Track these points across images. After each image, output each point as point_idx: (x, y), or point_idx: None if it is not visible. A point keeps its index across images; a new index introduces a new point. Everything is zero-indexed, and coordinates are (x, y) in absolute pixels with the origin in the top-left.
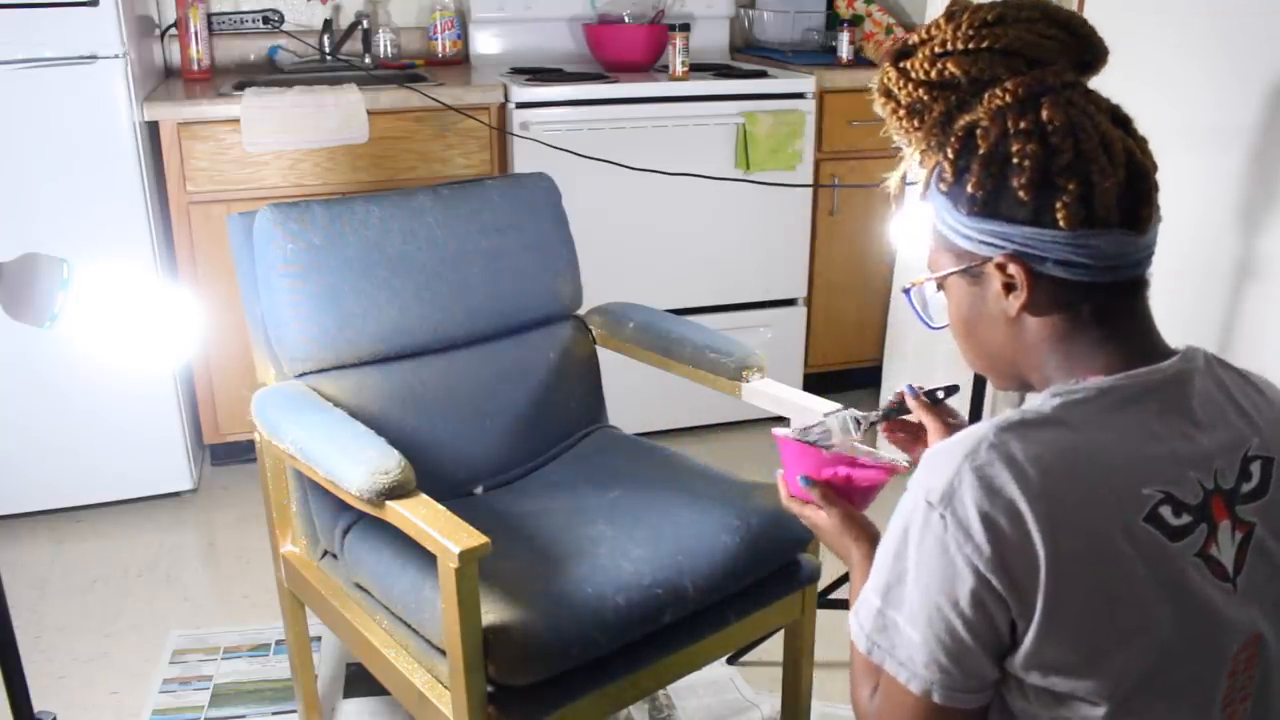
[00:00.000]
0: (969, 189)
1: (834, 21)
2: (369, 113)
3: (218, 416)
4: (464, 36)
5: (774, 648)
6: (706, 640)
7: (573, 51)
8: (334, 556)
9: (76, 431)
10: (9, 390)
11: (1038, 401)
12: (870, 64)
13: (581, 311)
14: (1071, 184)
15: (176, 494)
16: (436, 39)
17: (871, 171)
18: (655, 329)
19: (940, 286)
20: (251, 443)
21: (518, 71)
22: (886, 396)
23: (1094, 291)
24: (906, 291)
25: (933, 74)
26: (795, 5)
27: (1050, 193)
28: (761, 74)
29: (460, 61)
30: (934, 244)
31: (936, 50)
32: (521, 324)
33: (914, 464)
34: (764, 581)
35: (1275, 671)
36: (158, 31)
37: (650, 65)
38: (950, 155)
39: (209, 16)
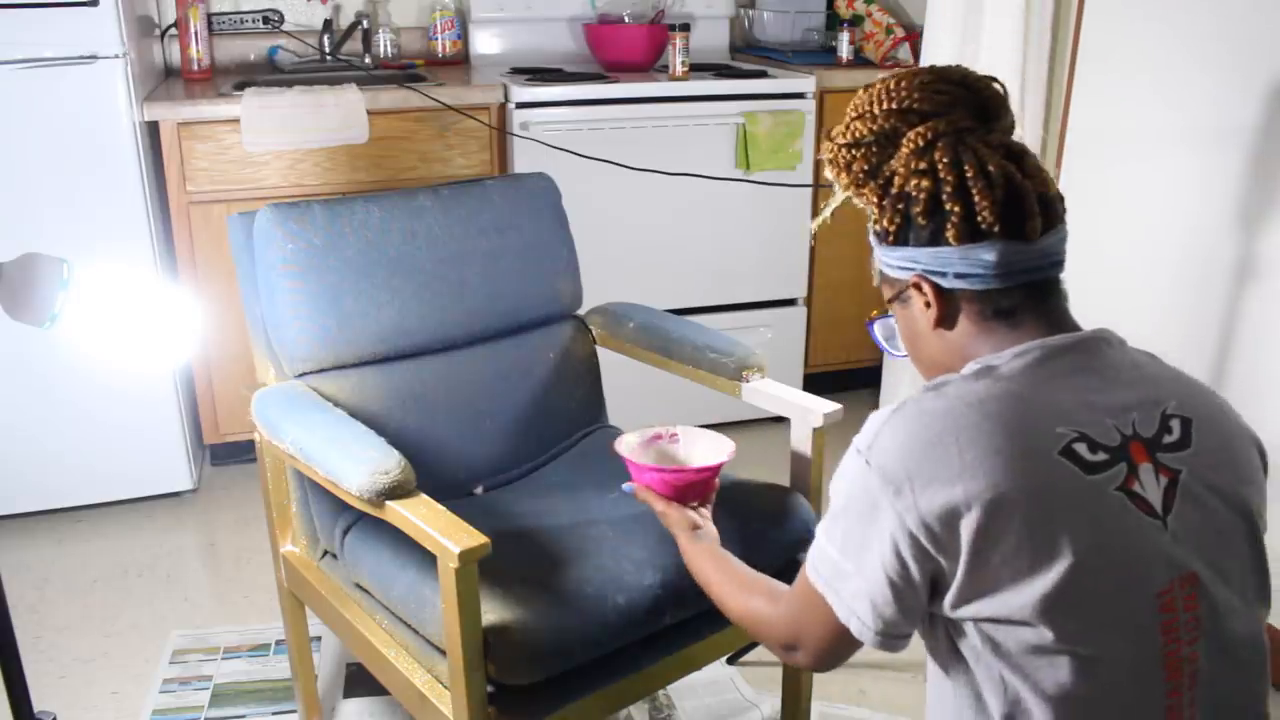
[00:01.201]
0: (885, 225)
1: (834, 21)
2: (369, 113)
3: (218, 416)
4: (464, 36)
5: None
6: (706, 640)
7: (573, 51)
8: (334, 556)
9: (76, 431)
10: (9, 390)
11: (965, 368)
12: (870, 64)
13: (581, 311)
14: (956, 206)
15: (176, 494)
16: (436, 39)
17: None
18: (655, 329)
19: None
20: (251, 443)
21: (518, 71)
22: (886, 397)
23: (998, 296)
24: (869, 325)
25: (848, 136)
26: (795, 5)
27: (941, 217)
28: (761, 74)
29: (460, 61)
30: (878, 279)
31: (851, 116)
32: (521, 324)
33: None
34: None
35: (1223, 613)
36: (158, 31)
37: (650, 65)
38: (874, 200)
39: (209, 16)
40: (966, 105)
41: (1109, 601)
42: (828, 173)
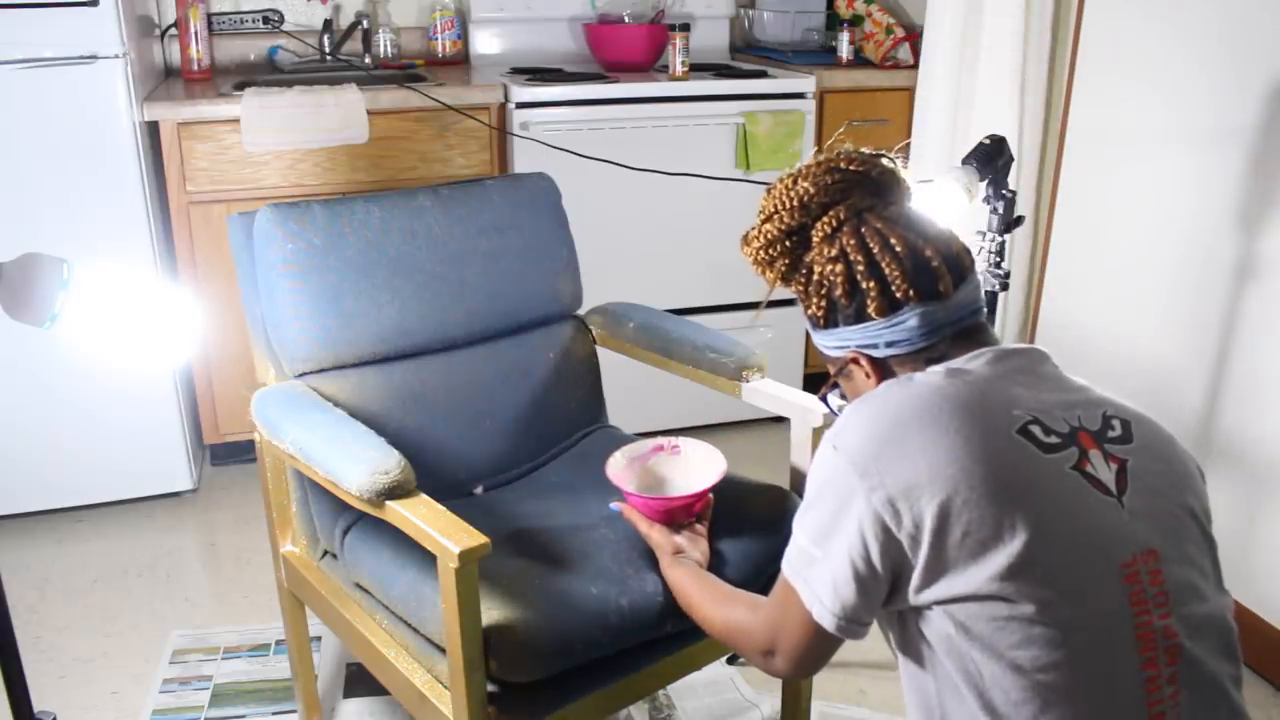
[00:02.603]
0: (813, 311)
1: (834, 21)
2: (369, 113)
3: (218, 416)
4: (464, 36)
5: None
6: (707, 640)
7: (573, 51)
8: (334, 556)
9: (76, 431)
10: (9, 390)
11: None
12: (870, 64)
13: (581, 311)
14: (871, 283)
15: (176, 494)
16: (436, 39)
17: None
18: (655, 329)
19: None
20: (251, 443)
21: (518, 71)
22: None
23: (929, 351)
24: (823, 399)
25: (762, 238)
26: (795, 5)
27: (860, 295)
28: (761, 74)
29: (460, 61)
30: (823, 358)
31: (761, 219)
32: (521, 324)
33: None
34: (765, 583)
35: (1189, 591)
36: (158, 31)
37: (650, 65)
38: (801, 290)
39: (209, 16)
40: (862, 186)
41: (1072, 570)
42: (754, 272)
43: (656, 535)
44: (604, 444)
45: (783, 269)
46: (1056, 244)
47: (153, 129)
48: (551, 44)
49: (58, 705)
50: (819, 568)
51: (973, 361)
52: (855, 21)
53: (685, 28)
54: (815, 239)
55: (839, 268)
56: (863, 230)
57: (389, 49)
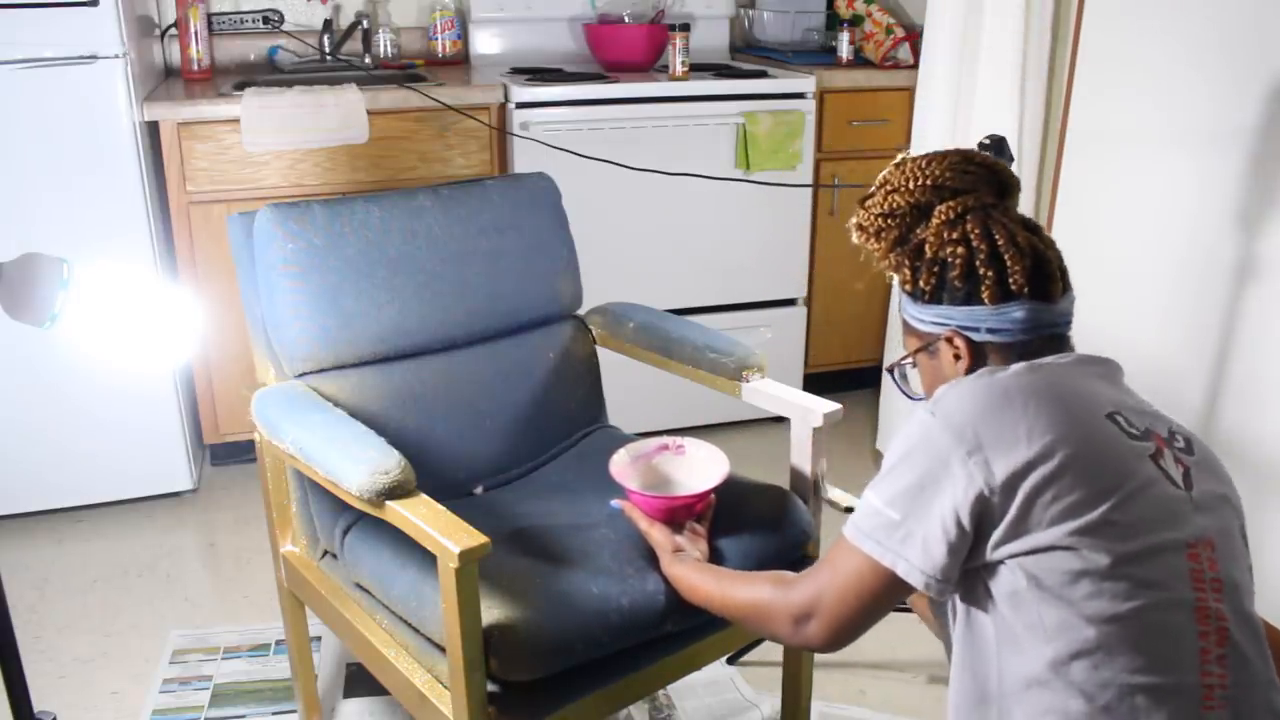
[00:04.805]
0: (920, 285)
1: (834, 21)
2: (369, 113)
3: (218, 416)
4: (464, 36)
5: (774, 648)
6: (707, 640)
7: (573, 51)
8: (334, 556)
9: (76, 431)
10: (9, 390)
11: None
12: (870, 64)
13: (581, 311)
14: (990, 271)
15: (176, 494)
16: (436, 39)
17: (872, 171)
18: (655, 329)
19: (914, 364)
20: (251, 443)
21: (518, 71)
22: (887, 397)
23: (1021, 347)
24: (890, 371)
25: (886, 206)
26: (795, 5)
27: (976, 280)
28: (761, 74)
29: (460, 61)
30: (904, 331)
31: (888, 189)
32: (521, 324)
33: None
34: None
35: (1237, 587)
36: (158, 31)
37: (650, 65)
38: (907, 263)
39: (209, 16)
40: (989, 183)
41: (1146, 534)
42: (855, 237)
43: (656, 534)
44: (604, 444)
45: (891, 240)
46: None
47: (153, 129)
48: (551, 44)
49: (58, 705)
50: (900, 530)
51: (1059, 359)
52: (855, 21)
53: (685, 28)
54: (936, 220)
55: (960, 250)
56: (989, 221)
57: (389, 49)
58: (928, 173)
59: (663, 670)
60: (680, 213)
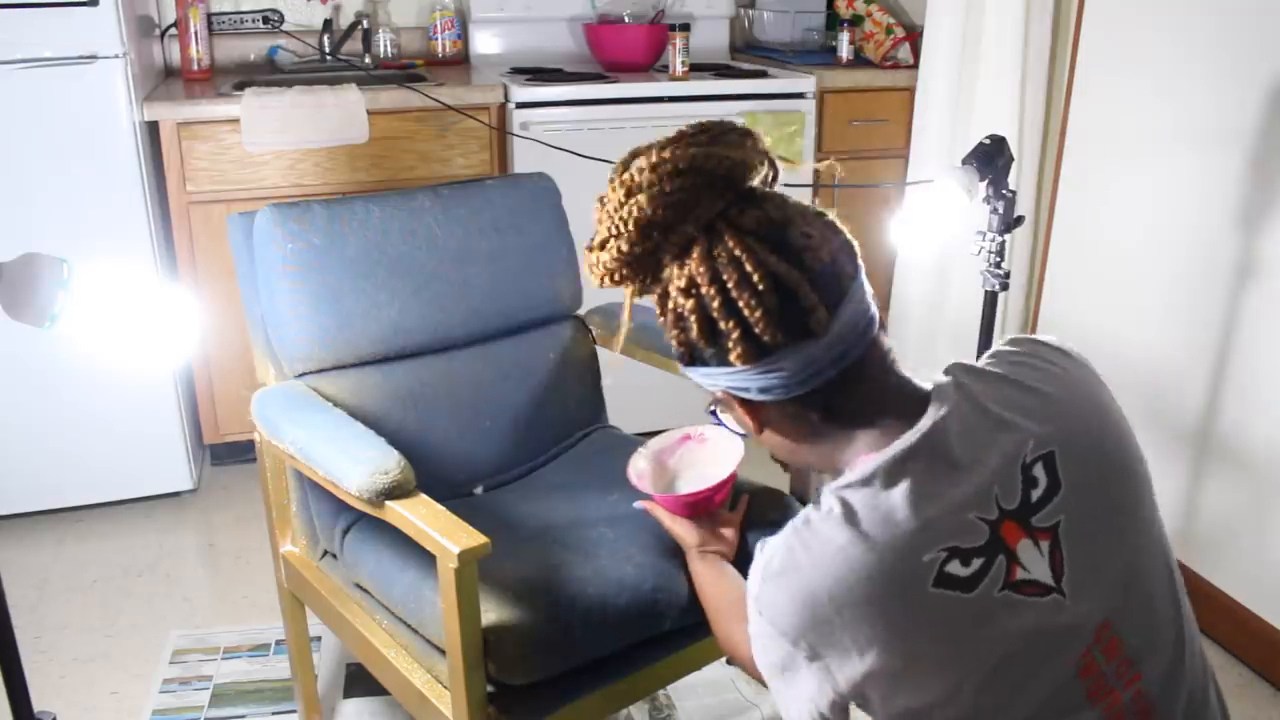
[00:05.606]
0: (674, 345)
1: (834, 21)
2: (369, 113)
3: (218, 416)
4: (464, 36)
5: None
6: (707, 640)
7: (573, 51)
8: (334, 556)
9: (76, 431)
10: (9, 390)
11: (823, 499)
12: (870, 64)
13: (581, 311)
14: (730, 324)
15: (176, 494)
16: (436, 39)
17: (872, 171)
18: (655, 329)
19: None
20: (251, 443)
21: (518, 71)
22: None
23: (814, 396)
24: (710, 412)
25: (600, 267)
26: (795, 5)
27: (720, 337)
28: (761, 74)
29: (460, 61)
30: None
31: (597, 240)
32: (521, 324)
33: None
34: None
35: (1148, 646)
36: (158, 31)
37: (650, 65)
38: (659, 313)
39: (209, 16)
40: (710, 188)
41: (1025, 692)
42: (601, 285)
43: (680, 530)
44: (604, 444)
45: (641, 284)
46: (1056, 244)
47: (153, 129)
48: (551, 44)
49: (58, 705)
50: (785, 678)
51: (868, 491)
52: (855, 21)
53: (685, 28)
54: (665, 260)
55: (691, 304)
56: (715, 253)
57: (389, 49)
58: (627, 212)
59: (663, 670)
60: None
